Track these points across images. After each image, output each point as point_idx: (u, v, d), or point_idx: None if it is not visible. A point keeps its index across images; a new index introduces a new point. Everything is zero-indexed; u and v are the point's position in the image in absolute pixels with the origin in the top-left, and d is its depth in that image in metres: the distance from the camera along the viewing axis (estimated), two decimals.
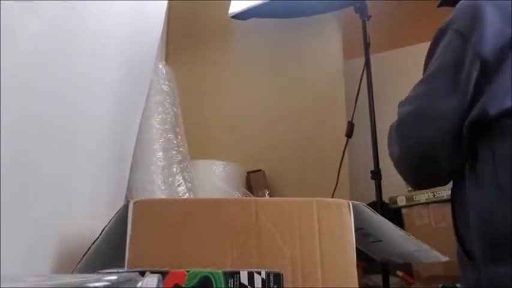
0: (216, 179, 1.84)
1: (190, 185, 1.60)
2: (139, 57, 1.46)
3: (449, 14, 0.96)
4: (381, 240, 1.02)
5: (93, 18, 1.13)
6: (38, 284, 0.49)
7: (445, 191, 1.71)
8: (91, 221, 1.09)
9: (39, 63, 0.88)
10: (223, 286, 0.74)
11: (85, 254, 0.91)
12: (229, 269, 0.77)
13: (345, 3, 2.04)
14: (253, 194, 1.89)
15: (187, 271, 0.75)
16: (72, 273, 0.91)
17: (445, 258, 0.98)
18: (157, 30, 1.65)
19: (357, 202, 0.90)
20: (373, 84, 1.88)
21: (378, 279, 1.74)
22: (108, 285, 0.48)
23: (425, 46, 0.99)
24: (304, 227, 0.85)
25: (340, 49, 2.19)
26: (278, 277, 0.77)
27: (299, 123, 2.10)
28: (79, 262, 0.91)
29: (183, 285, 0.73)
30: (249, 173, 2.01)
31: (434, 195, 1.81)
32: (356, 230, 0.87)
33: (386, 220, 0.94)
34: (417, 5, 2.25)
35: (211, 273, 0.75)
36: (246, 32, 2.19)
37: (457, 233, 0.93)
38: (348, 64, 2.22)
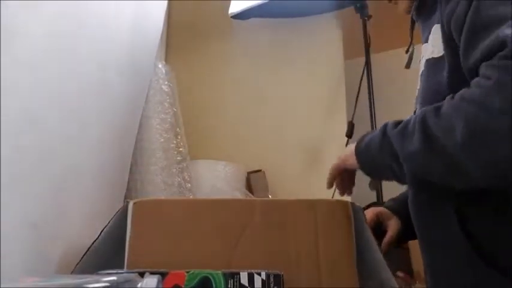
0: (216, 179, 1.83)
1: (190, 185, 1.60)
2: (139, 57, 1.46)
3: None
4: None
5: (93, 19, 1.13)
6: (38, 284, 0.49)
7: None
8: (91, 221, 1.09)
9: (39, 64, 0.88)
10: (223, 287, 0.74)
11: (85, 254, 0.91)
12: (229, 269, 0.76)
13: (345, 3, 2.04)
14: (253, 194, 1.88)
15: (187, 272, 0.75)
16: (71, 273, 0.90)
17: None
18: (157, 30, 1.64)
19: (357, 205, 0.90)
20: (373, 84, 1.88)
21: None
22: (107, 285, 0.48)
23: (425, 46, 0.96)
24: (304, 227, 0.85)
25: (340, 49, 2.19)
26: (278, 278, 0.77)
27: (299, 123, 2.10)
28: (78, 262, 0.91)
29: (183, 286, 0.73)
30: (249, 173, 2.01)
31: None
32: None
33: (374, 238, 0.91)
34: None
35: (211, 274, 0.75)
36: (246, 32, 2.19)
37: (479, 247, 0.75)
38: (348, 64, 2.22)
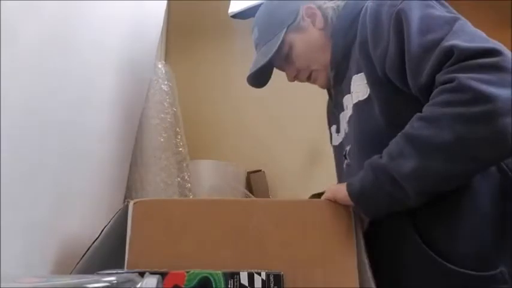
0: (216, 179, 1.83)
1: (190, 185, 1.60)
2: (139, 56, 1.46)
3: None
4: None
5: (93, 19, 1.13)
6: (38, 284, 0.49)
7: None
8: (91, 221, 1.09)
9: (39, 63, 0.88)
10: (223, 287, 0.74)
11: (84, 254, 0.91)
12: (229, 269, 0.76)
13: None
14: (253, 194, 1.88)
15: (187, 272, 0.75)
16: (71, 273, 0.90)
17: None
18: (156, 30, 1.64)
19: None
20: None
21: None
22: (107, 285, 0.48)
23: (347, 97, 0.99)
24: (304, 227, 0.85)
25: None
26: (278, 278, 0.77)
27: (299, 123, 2.10)
28: (78, 262, 0.91)
29: (183, 286, 0.73)
30: (249, 173, 2.01)
31: None
32: None
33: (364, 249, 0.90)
34: None
35: (211, 274, 0.75)
36: (246, 31, 2.18)
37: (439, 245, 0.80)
38: None
